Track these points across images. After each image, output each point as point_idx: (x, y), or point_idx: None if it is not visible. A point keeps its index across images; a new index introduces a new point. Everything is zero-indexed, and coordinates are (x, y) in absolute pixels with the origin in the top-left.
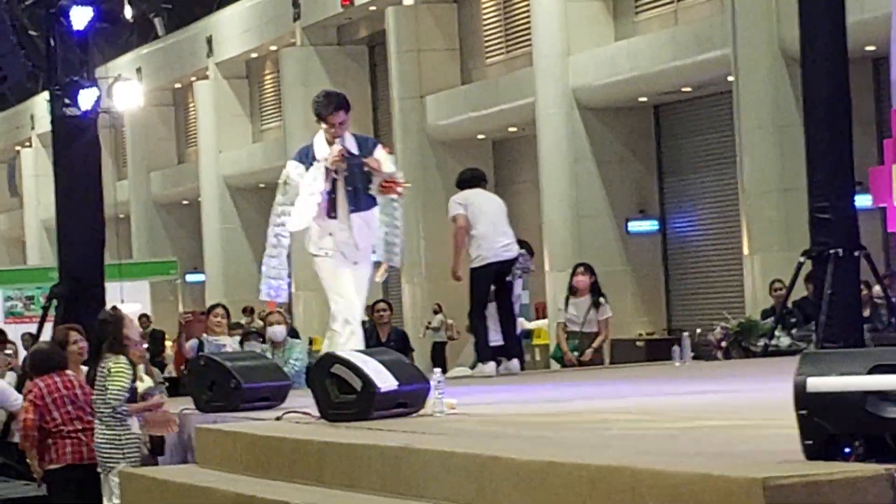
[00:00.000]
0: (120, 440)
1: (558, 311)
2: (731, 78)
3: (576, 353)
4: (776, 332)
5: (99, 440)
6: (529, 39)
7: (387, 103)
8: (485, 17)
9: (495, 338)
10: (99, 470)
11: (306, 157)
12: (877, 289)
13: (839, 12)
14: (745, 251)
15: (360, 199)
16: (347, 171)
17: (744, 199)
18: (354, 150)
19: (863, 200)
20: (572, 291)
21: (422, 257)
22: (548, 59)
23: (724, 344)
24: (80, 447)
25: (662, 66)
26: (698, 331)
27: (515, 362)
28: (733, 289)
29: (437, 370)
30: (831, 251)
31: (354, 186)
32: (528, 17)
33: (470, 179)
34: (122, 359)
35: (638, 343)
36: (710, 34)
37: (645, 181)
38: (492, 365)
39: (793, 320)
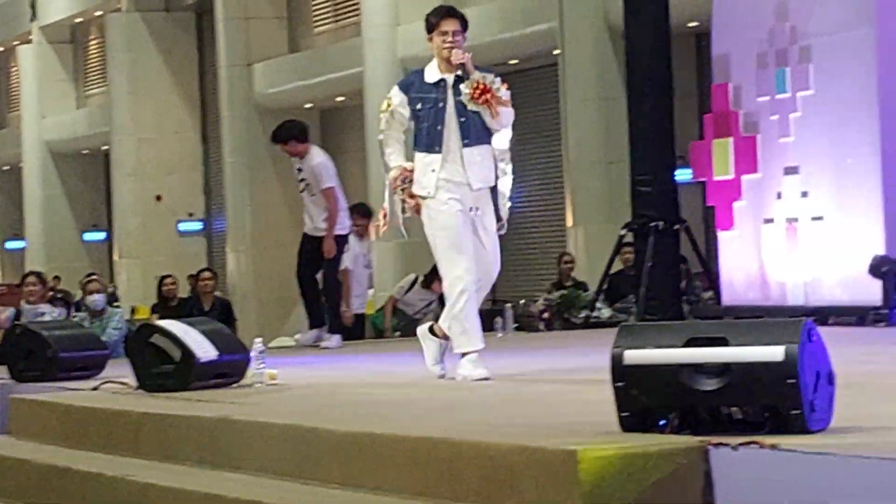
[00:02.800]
0: None
1: (399, 287)
2: (557, 51)
3: (397, 333)
4: (597, 304)
5: None
6: (358, 9)
7: (214, 71)
8: None
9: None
10: None
11: (412, 87)
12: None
13: None
14: (569, 223)
15: (476, 132)
16: (459, 97)
17: (568, 172)
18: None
19: (683, 174)
20: (424, 285)
21: (247, 225)
22: (377, 29)
23: (546, 315)
24: None
25: (490, 38)
26: (522, 302)
27: (337, 338)
28: (556, 260)
29: (258, 340)
30: (652, 224)
31: (467, 117)
32: None
33: (306, 129)
34: None
35: None
36: (537, 7)
37: None
38: (337, 337)
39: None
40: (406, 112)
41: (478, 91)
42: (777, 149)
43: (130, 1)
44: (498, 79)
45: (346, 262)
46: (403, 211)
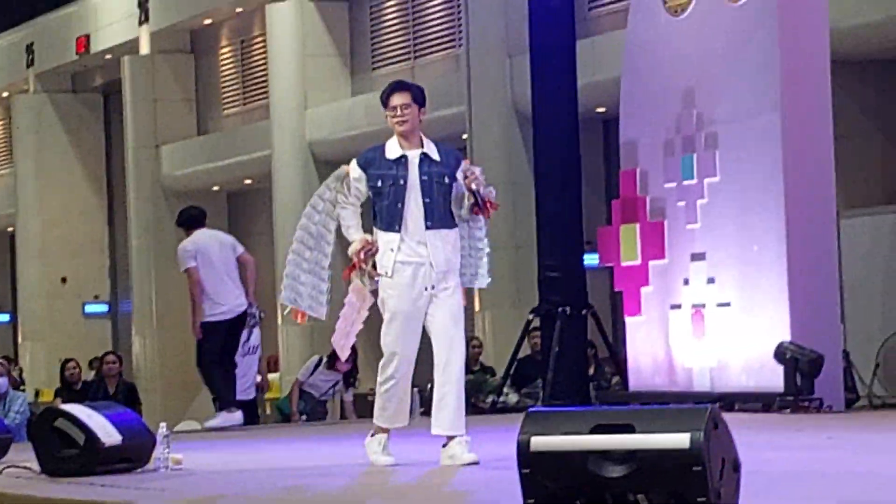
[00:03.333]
0: None
1: (305, 369)
2: (465, 136)
3: (303, 417)
4: (505, 389)
5: None
6: (267, 92)
7: (121, 153)
8: (222, 68)
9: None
10: None
11: (372, 165)
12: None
13: (571, 74)
14: (477, 307)
15: (439, 214)
16: (426, 177)
17: None
18: (435, 155)
19: (591, 259)
20: (329, 366)
21: (153, 308)
22: (285, 112)
23: None
24: None
25: None
26: (429, 386)
27: (239, 414)
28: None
29: (163, 424)
30: (559, 309)
31: (431, 198)
32: (265, 69)
33: (198, 216)
34: None
35: (369, 398)
36: (445, 91)
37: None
38: (239, 413)
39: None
40: (363, 188)
41: (492, 210)
42: (684, 235)
43: (38, 82)
44: (466, 161)
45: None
46: (366, 284)
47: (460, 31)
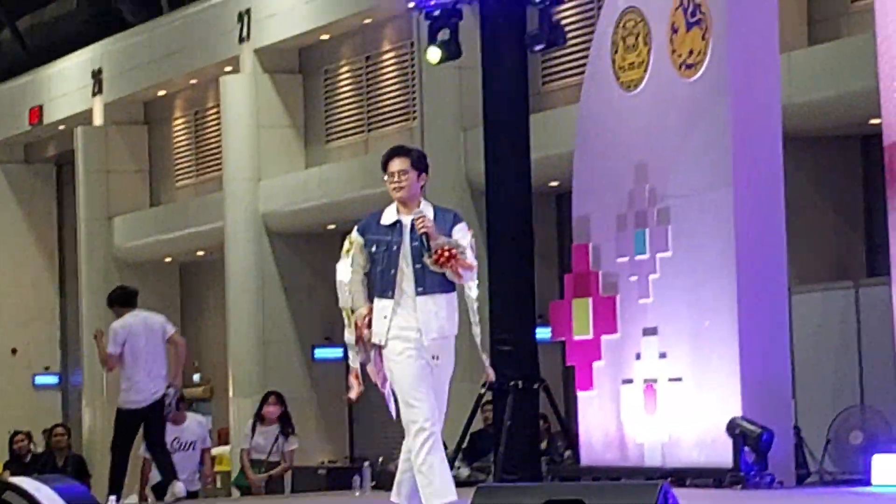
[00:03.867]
0: None
1: (244, 436)
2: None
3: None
4: (456, 463)
5: None
6: (220, 163)
7: (73, 223)
8: (176, 139)
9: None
10: None
11: (369, 230)
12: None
13: (524, 148)
14: None
15: (431, 280)
16: (416, 242)
17: None
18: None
19: (543, 333)
20: (261, 420)
21: (104, 380)
22: (238, 184)
23: None
24: None
25: (352, 194)
26: (381, 459)
27: (180, 485)
28: None
29: (112, 498)
30: (511, 383)
31: (423, 263)
32: (219, 140)
33: (128, 297)
34: None
35: (320, 471)
36: None
37: (331, 308)
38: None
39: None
40: (365, 254)
41: (442, 259)
42: (636, 309)
43: None
44: (463, 225)
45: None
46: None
47: (414, 104)
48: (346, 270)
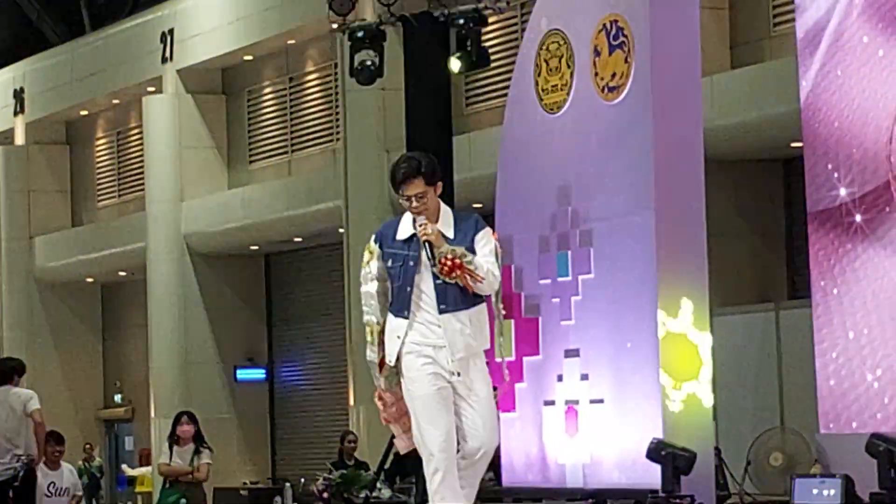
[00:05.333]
0: None
1: (164, 454)
2: (341, 230)
3: (183, 501)
4: (378, 484)
5: None
6: (142, 184)
7: None
8: (98, 159)
9: None
10: None
11: (385, 241)
12: None
13: (447, 169)
14: (351, 402)
15: (454, 296)
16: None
17: (351, 350)
18: (450, 231)
19: None
20: (176, 440)
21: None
22: (160, 205)
23: (325, 495)
24: None
25: (275, 215)
26: (302, 480)
27: None
28: (339, 439)
29: None
30: None
31: (444, 279)
32: (141, 161)
33: (3, 374)
34: None
35: (242, 492)
36: (322, 186)
37: (254, 329)
38: None
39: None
40: (382, 265)
41: (446, 268)
42: (558, 331)
43: None
44: (486, 231)
45: None
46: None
47: (338, 126)
48: (370, 282)
